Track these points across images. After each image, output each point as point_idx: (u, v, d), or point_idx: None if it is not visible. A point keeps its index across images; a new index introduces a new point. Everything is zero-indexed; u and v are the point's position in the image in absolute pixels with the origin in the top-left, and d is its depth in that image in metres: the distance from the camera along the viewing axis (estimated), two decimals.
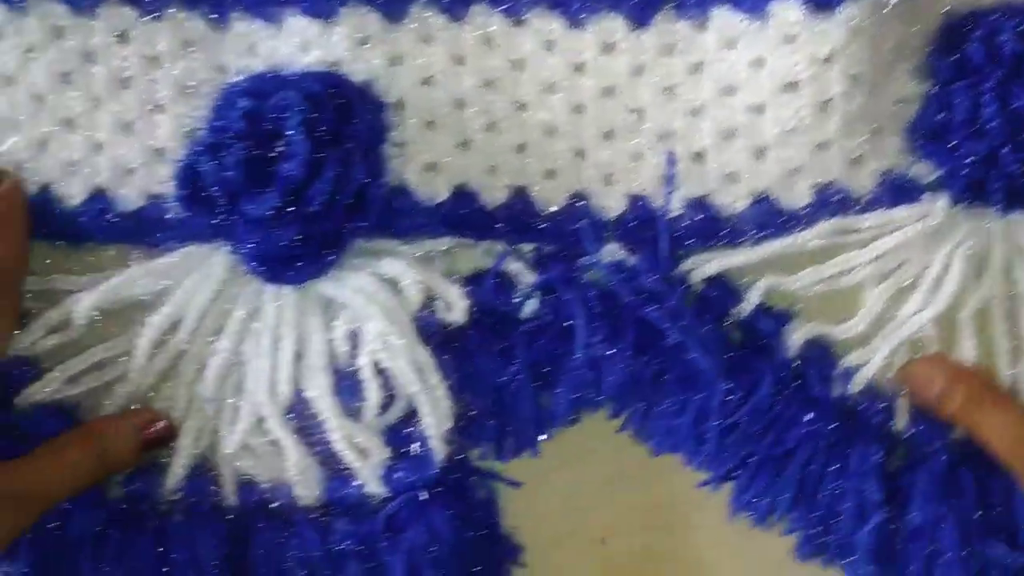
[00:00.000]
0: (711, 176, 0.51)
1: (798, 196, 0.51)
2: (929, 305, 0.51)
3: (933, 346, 0.52)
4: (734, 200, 0.51)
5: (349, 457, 0.51)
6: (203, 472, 0.52)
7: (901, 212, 0.51)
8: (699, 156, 0.51)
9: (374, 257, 0.52)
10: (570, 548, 0.56)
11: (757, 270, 0.52)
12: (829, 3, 0.48)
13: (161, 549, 0.51)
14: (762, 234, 0.51)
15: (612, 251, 0.52)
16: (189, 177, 0.49)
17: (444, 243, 0.52)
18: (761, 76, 0.49)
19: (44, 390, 0.51)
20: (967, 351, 0.51)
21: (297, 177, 0.47)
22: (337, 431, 0.51)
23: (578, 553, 0.56)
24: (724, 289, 0.52)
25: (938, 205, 0.50)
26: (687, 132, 0.51)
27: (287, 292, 0.51)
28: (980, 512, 0.50)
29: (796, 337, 0.51)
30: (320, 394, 0.51)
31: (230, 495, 0.52)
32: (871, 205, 0.51)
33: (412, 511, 0.51)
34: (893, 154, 0.51)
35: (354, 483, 0.52)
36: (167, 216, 0.51)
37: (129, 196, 0.51)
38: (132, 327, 0.52)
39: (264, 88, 0.48)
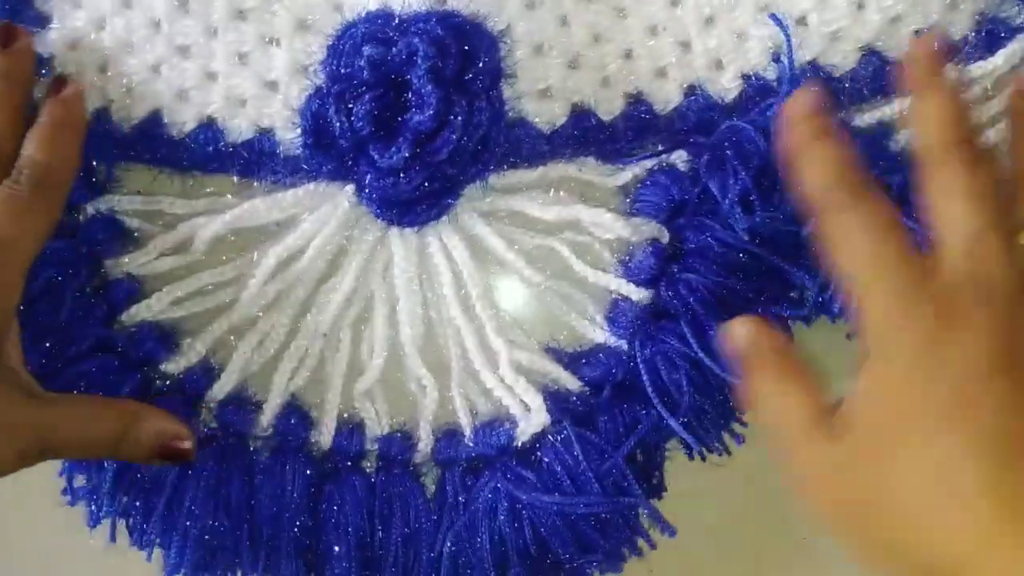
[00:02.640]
0: (817, 38, 0.50)
1: (901, 45, 0.50)
2: None
3: None
4: (843, 58, 0.50)
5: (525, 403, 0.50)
6: (296, 411, 0.51)
7: (1001, 56, 0.49)
8: (802, 20, 0.50)
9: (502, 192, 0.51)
10: None
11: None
12: None
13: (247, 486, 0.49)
14: (873, 89, 0.50)
15: None
16: (314, 124, 0.48)
17: (569, 166, 0.51)
18: None
19: (149, 310, 0.49)
20: None
21: (427, 128, 0.47)
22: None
23: None
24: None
25: None
26: None
27: (409, 234, 0.51)
28: None
29: None
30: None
31: (326, 437, 0.50)
32: (971, 51, 0.50)
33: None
34: None
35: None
36: (277, 151, 0.50)
37: (240, 127, 0.50)
38: (241, 255, 0.51)
39: (385, 32, 0.48)
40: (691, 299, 0.48)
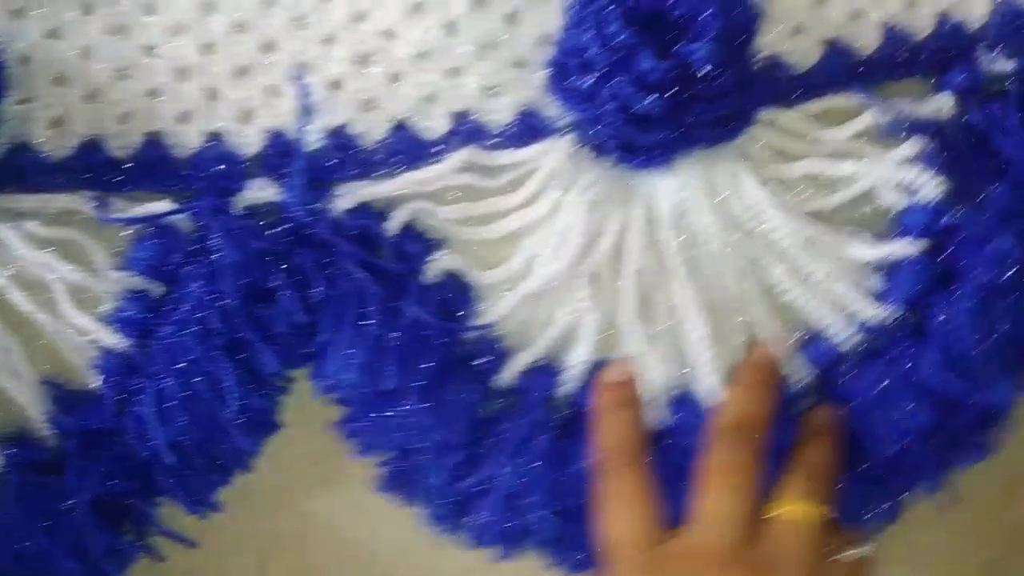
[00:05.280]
0: (348, 104, 0.51)
1: (435, 124, 0.51)
2: (556, 259, 0.51)
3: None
4: (373, 128, 0.51)
5: None
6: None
7: (529, 151, 0.51)
8: (335, 85, 0.50)
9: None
10: None
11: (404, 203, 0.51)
12: None
13: None
14: (403, 163, 0.51)
15: (261, 185, 0.51)
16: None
17: (78, 199, 0.51)
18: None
19: None
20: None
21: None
22: None
23: None
24: (369, 217, 0.51)
25: (561, 143, 0.50)
26: (321, 61, 0.50)
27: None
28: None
29: (436, 265, 0.51)
30: None
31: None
32: (510, 141, 0.51)
33: None
34: (534, 89, 0.51)
35: None
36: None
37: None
38: None
39: None
40: (165, 360, 0.50)
